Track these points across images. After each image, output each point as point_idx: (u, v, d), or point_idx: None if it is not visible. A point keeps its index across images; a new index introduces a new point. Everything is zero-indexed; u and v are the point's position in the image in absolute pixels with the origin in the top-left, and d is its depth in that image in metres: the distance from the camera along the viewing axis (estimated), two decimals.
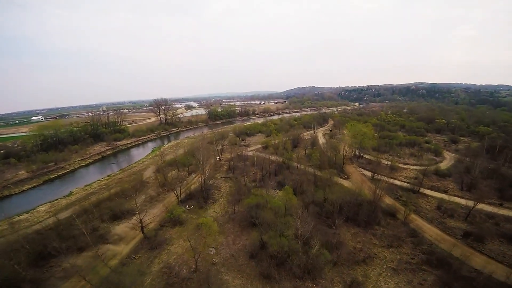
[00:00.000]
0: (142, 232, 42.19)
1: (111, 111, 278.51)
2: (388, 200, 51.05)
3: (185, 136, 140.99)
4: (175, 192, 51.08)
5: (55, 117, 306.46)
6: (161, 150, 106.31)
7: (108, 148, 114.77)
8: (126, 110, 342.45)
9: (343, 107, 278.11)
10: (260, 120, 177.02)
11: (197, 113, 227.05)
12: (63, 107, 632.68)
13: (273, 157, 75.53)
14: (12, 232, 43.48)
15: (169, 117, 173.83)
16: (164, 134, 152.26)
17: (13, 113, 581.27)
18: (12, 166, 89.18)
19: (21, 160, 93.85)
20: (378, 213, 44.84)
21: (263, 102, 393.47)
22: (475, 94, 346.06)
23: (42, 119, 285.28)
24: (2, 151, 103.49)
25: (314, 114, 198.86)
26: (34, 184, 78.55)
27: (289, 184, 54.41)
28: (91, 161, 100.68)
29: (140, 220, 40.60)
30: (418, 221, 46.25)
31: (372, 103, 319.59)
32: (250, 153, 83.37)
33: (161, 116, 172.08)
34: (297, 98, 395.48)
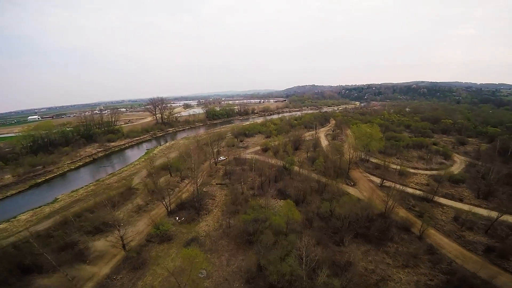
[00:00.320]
0: (124, 250, 37.37)
1: (108, 110, 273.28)
2: (401, 212, 46.05)
3: (182, 137, 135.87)
4: (163, 202, 45.88)
5: (52, 117, 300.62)
6: (154, 152, 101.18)
7: (100, 150, 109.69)
8: (123, 109, 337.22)
9: (344, 106, 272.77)
10: (259, 120, 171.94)
11: (195, 113, 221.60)
12: (62, 106, 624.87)
13: (273, 161, 70.56)
14: None
15: (165, 117, 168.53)
16: (160, 135, 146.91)
17: (12, 112, 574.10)
18: None
19: (8, 163, 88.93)
20: (391, 227, 39.95)
21: (262, 101, 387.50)
22: (476, 93, 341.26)
23: (38, 118, 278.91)
24: None
25: (315, 113, 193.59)
26: (20, 190, 74.24)
27: (291, 192, 49.62)
28: (81, 164, 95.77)
29: (121, 237, 35.66)
30: (434, 235, 41.50)
31: (373, 102, 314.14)
32: (248, 156, 78.42)
33: (157, 115, 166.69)
34: (297, 97, 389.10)
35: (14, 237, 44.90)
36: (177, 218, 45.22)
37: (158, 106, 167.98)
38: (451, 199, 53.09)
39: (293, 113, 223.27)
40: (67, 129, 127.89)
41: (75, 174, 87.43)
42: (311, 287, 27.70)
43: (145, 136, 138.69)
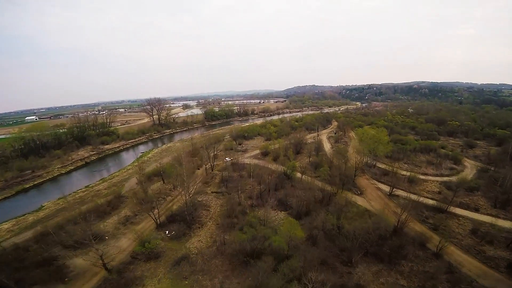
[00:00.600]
0: (106, 269, 33.22)
1: (106, 111, 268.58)
2: (415, 225, 41.71)
3: (179, 139, 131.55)
4: (151, 214, 41.48)
5: (50, 117, 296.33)
6: (149, 155, 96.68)
7: (93, 153, 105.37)
8: (122, 110, 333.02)
9: (345, 107, 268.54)
10: (259, 121, 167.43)
11: (193, 113, 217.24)
12: (61, 106, 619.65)
13: (273, 166, 66.28)
14: None
15: (163, 118, 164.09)
16: (157, 137, 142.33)
17: (11, 112, 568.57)
18: None
19: None
20: (405, 243, 35.73)
21: (262, 101, 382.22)
22: (478, 94, 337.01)
23: (36, 119, 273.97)
24: None
25: (316, 114, 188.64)
26: (5, 196, 70.53)
27: (292, 203, 45.38)
28: (72, 168, 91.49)
29: (100, 256, 31.51)
30: (452, 251, 37.24)
31: (375, 102, 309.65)
32: (247, 161, 74.17)
33: (154, 116, 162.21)
34: (297, 97, 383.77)
35: None
36: (167, 232, 40.92)
37: (155, 107, 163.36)
38: (466, 209, 48.73)
39: (294, 114, 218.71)
40: (61, 131, 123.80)
41: (65, 179, 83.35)
42: None
43: (141, 138, 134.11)
